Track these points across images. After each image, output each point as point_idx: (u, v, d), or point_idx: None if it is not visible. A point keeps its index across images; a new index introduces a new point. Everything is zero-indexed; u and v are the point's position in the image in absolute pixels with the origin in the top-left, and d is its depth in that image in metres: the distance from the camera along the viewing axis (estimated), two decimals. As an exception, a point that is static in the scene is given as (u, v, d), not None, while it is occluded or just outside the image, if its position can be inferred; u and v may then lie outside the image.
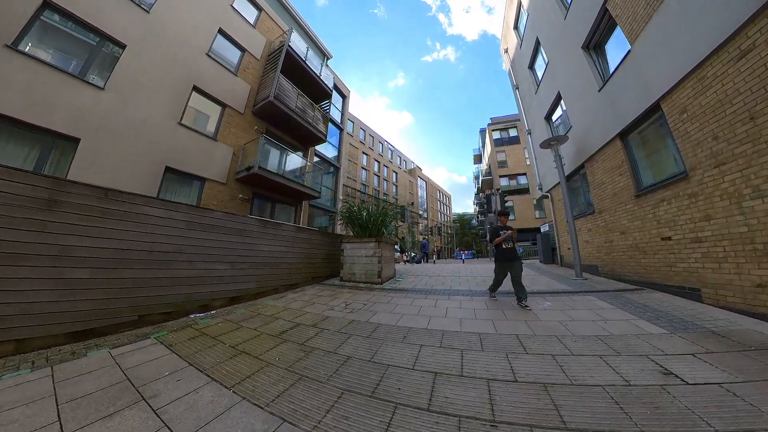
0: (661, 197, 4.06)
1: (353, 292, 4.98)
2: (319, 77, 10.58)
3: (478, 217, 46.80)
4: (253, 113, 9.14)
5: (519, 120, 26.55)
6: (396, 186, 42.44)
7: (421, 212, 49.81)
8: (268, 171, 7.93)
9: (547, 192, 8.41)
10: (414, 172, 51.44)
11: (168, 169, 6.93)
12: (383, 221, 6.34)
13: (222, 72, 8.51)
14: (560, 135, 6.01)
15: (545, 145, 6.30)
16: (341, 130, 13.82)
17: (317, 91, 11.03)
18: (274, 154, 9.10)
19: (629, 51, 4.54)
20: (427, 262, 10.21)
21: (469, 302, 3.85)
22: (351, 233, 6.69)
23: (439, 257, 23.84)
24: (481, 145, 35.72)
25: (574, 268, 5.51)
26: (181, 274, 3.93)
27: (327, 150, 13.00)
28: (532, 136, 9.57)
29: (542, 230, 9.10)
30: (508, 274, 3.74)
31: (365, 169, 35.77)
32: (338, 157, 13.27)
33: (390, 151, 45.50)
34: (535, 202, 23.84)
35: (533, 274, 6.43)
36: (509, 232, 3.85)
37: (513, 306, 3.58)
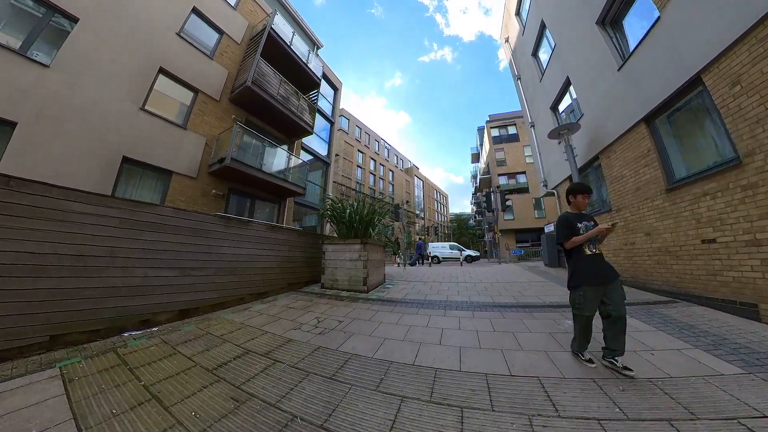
0: (702, 191, 3.34)
1: (332, 303, 4.20)
2: (306, 65, 9.77)
3: (475, 217, 46.22)
4: (230, 101, 8.30)
5: (519, 117, 25.98)
6: (392, 185, 41.67)
7: (418, 212, 49.12)
8: (243, 164, 7.11)
9: (553, 189, 7.69)
10: (411, 171, 50.74)
11: (126, 160, 6.09)
12: (371, 220, 5.57)
13: (195, 55, 7.68)
14: (572, 123, 5.29)
15: (554, 135, 5.58)
16: (332, 123, 13.02)
17: (304, 80, 10.22)
18: (253, 145, 8.28)
19: (658, 19, 3.82)
20: (423, 264, 9.47)
21: (470, 320, 3.09)
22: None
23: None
24: (479, 143, 35.10)
25: (588, 275, 4.78)
26: (115, 283, 3.17)
27: (317, 144, 12.19)
28: (536, 129, 8.86)
29: (546, 231, 8.40)
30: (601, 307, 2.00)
31: (361, 168, 34.96)
32: (328, 152, 12.47)
33: (386, 150, 44.74)
34: (534, 201, 23.24)
35: (541, 281, 5.70)
36: (603, 227, 2.00)
37: (527, 327, 2.82)
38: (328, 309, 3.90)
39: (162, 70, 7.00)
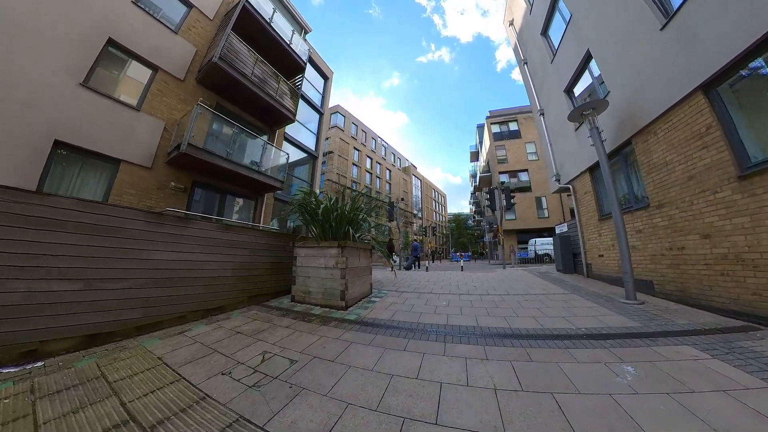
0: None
1: (295, 326, 3.20)
2: (288, 45, 8.74)
3: (474, 217, 45.30)
4: (197, 81, 7.26)
5: (521, 113, 25.08)
6: (389, 184, 40.68)
7: (416, 212, 48.13)
8: (205, 151, 6.08)
9: (567, 184, 6.74)
10: (408, 170, 49.77)
11: (60, 145, 5.05)
12: (353, 219, 4.56)
13: (155, 27, 6.64)
14: (598, 99, 4.32)
15: (575, 116, 4.61)
16: (321, 114, 12.01)
17: (288, 64, 9.18)
18: (223, 132, 7.25)
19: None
20: (419, 267, 8.51)
21: (482, 365, 2.09)
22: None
23: (434, 260, 22.09)
24: (478, 141, 34.21)
25: (624, 286, 3.82)
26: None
27: (306, 137, 11.18)
28: (546, 117, 7.91)
29: (557, 231, 7.44)
30: None
31: (356, 165, 33.93)
32: (317, 145, 11.46)
33: (383, 148, 43.74)
34: (536, 200, 22.36)
35: (560, 292, 4.72)
36: None
37: (570, 380, 1.82)
38: (286, 336, 2.89)
39: (111, 42, 5.96)
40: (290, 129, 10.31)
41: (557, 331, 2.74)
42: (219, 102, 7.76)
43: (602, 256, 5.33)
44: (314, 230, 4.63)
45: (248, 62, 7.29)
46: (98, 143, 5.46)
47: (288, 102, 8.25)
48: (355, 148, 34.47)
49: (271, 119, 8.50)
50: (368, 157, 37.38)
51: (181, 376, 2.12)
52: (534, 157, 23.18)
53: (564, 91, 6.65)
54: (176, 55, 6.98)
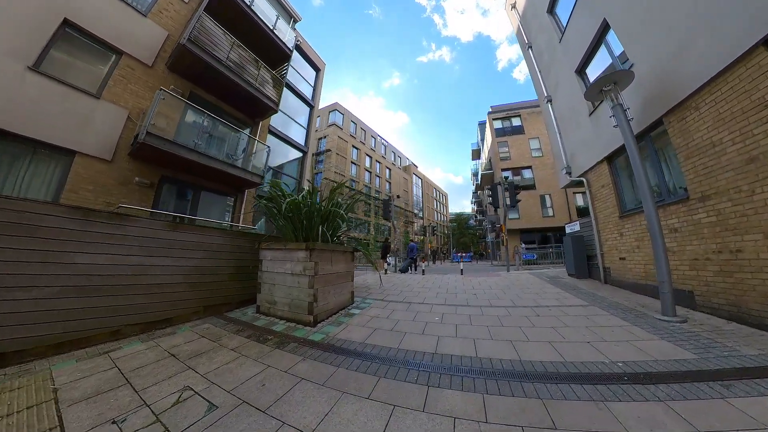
0: None
1: (240, 351, 2.50)
2: (271, 31, 8.07)
3: (476, 217, 44.36)
4: (168, 68, 6.61)
5: (524, 108, 24.21)
6: (389, 183, 39.94)
7: (416, 211, 47.34)
8: (169, 142, 5.42)
9: (579, 177, 5.96)
10: (409, 169, 49.00)
11: (2, 135, 4.43)
12: (330, 216, 3.87)
13: (120, 8, 6.00)
14: (621, 70, 3.57)
15: (594, 92, 3.87)
16: (312, 107, 11.33)
17: (272, 52, 8.51)
18: (196, 122, 6.60)
19: None
20: (416, 270, 7.80)
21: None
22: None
23: (434, 260, 21.28)
24: (480, 138, 33.35)
25: (660, 297, 3.07)
26: None
27: (294, 131, 10.51)
28: (554, 104, 7.14)
29: (568, 231, 6.67)
30: None
31: (355, 164, 33.24)
32: (306, 140, 10.78)
33: (383, 146, 43.04)
34: (540, 198, 21.49)
35: (579, 304, 3.98)
36: None
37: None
38: (226, 363, 2.22)
39: (67, 23, 5.33)
40: (278, 123, 9.65)
41: (584, 366, 2.01)
42: (194, 90, 7.10)
43: (624, 259, 4.56)
44: (283, 229, 3.95)
45: (223, 46, 6.62)
46: (48, 133, 4.83)
47: (270, 90, 7.57)
48: (353, 146, 33.80)
49: (252, 110, 7.83)
50: (367, 155, 36.68)
51: (60, 422, 1.47)
52: (538, 154, 22.31)
53: (575, 71, 5.88)
54: (145, 40, 6.34)
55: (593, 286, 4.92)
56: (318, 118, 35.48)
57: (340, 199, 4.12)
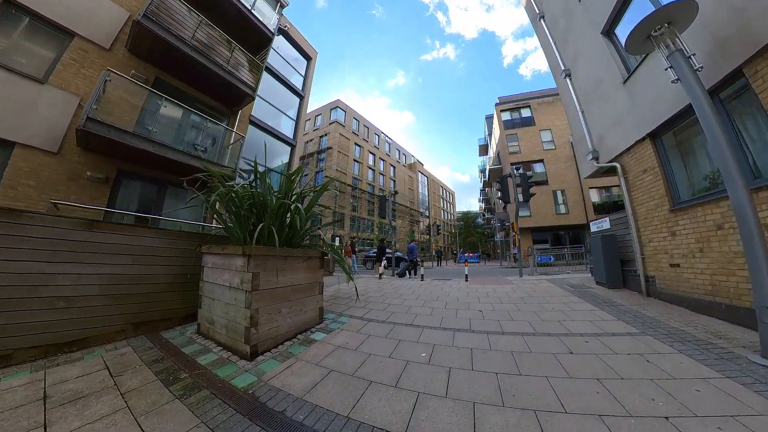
0: None
1: (129, 398, 1.61)
2: (248, 11, 7.25)
3: (483, 215, 42.77)
4: (130, 51, 5.87)
5: (534, 98, 22.76)
6: (393, 180, 38.93)
7: (422, 210, 46.14)
8: (117, 130, 4.64)
9: (610, 162, 4.85)
10: (414, 167, 47.83)
11: None
12: (281, 211, 2.98)
13: (69, -19, 5.28)
14: (678, 2, 2.52)
15: (637, 42, 2.86)
16: (301, 97, 10.49)
17: (251, 35, 7.70)
18: (162, 112, 5.82)
19: None
20: (415, 275, 6.82)
21: None
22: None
23: (439, 262, 20.11)
24: (487, 133, 31.93)
25: (760, 332, 2.02)
26: None
27: (285, 125, 9.69)
28: (574, 78, 6.03)
29: (594, 229, 5.55)
30: None
31: (358, 162, 32.39)
32: (295, 132, 9.95)
33: (387, 144, 42.07)
34: (553, 194, 20.09)
35: (623, 331, 2.95)
36: None
37: None
38: (92, 423, 1.32)
39: (9, 2, 4.65)
40: (262, 114, 8.84)
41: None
42: (160, 76, 6.35)
43: (677, 266, 3.47)
44: (233, 229, 3.09)
45: (187, 24, 5.81)
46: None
47: (245, 75, 6.73)
48: (356, 144, 32.95)
49: (228, 97, 7.02)
50: (371, 153, 35.79)
51: None
52: (550, 146, 20.88)
53: (602, 33, 4.79)
54: (101, 20, 5.61)
55: (634, 301, 3.84)
56: (319, 117, 34.88)
57: (297, 188, 3.22)
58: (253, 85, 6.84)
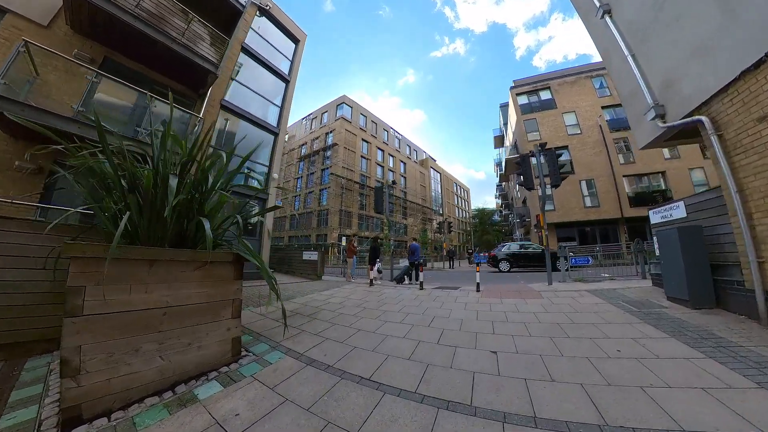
0: None
1: None
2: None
3: (501, 212, 40.01)
4: (72, 28, 5.04)
5: (554, 78, 20.47)
6: (404, 177, 37.35)
7: (436, 207, 44.20)
8: (36, 109, 3.74)
9: (691, 115, 3.26)
10: (426, 163, 45.95)
11: None
12: (160, 190, 1.80)
13: (-14, -59, 4.48)
14: None
15: None
16: (287, 82, 9.42)
17: (218, 5, 6.70)
18: (105, 94, 4.91)
19: None
20: (417, 279, 5.54)
21: None
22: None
23: (451, 263, 18.47)
24: (502, 123, 29.64)
25: None
26: None
27: (264, 109, 8.68)
28: (616, 14, 4.43)
29: (658, 220, 3.93)
30: None
31: (365, 158, 31.20)
32: (279, 120, 8.88)
33: (397, 140, 40.61)
34: (579, 184, 17.84)
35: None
36: None
37: None
38: None
39: None
40: (241, 100, 7.86)
41: None
42: (109, 56, 5.47)
43: None
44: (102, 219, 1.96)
45: (129, -14, 4.86)
46: None
47: (205, 49, 5.69)
48: (363, 139, 31.80)
49: (191, 78, 6.03)
50: (379, 149, 34.50)
51: None
52: (575, 131, 18.59)
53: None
54: (38, -5, 4.81)
55: (747, 335, 2.30)
56: (325, 114, 34.07)
57: (178, 161, 2.04)
58: (215, 61, 5.79)
